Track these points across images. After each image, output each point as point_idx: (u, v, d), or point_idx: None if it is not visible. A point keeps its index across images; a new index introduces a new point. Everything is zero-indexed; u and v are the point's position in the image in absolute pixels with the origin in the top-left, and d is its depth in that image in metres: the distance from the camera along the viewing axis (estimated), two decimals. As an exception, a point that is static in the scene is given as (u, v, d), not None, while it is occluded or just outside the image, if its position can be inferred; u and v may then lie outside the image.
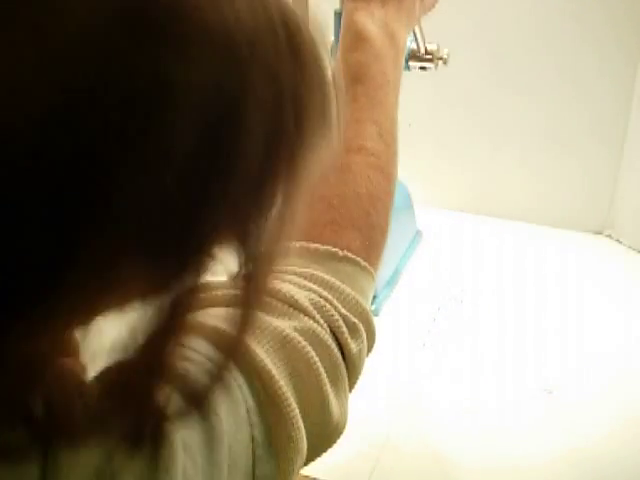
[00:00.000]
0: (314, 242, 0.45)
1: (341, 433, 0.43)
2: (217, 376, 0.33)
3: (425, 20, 0.71)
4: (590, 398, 0.76)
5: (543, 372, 0.80)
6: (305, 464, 0.41)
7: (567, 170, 1.09)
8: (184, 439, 0.30)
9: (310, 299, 0.41)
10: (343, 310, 0.43)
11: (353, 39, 0.53)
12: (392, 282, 0.95)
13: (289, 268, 0.43)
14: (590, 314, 0.91)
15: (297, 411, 0.37)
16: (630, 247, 1.06)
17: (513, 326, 0.88)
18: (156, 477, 0.29)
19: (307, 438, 0.38)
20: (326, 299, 0.42)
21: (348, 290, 0.44)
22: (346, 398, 0.42)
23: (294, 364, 0.38)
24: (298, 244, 0.45)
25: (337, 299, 0.43)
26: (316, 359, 0.39)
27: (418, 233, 1.06)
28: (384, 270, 0.93)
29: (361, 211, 0.47)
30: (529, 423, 0.73)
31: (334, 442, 0.43)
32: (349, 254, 0.45)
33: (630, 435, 0.71)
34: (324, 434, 0.41)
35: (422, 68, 0.85)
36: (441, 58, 0.85)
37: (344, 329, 0.42)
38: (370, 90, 0.50)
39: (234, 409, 0.34)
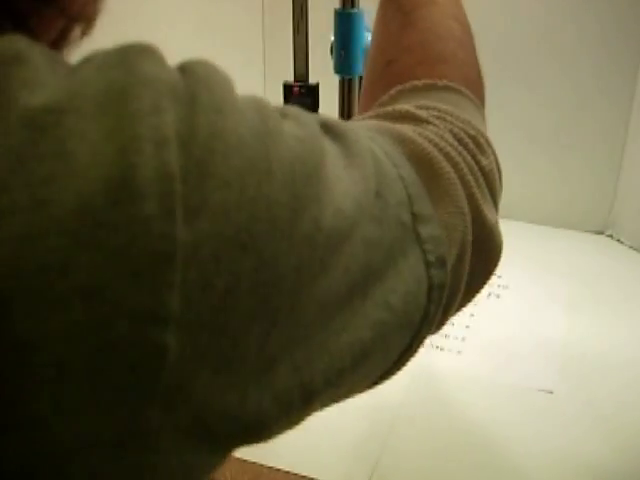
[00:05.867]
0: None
1: (499, 249, 0.41)
2: None
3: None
4: (590, 398, 0.76)
5: (543, 371, 0.80)
6: (470, 292, 0.40)
7: (568, 170, 1.09)
8: None
9: (428, 113, 0.39)
10: (459, 124, 0.40)
11: None
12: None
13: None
14: (591, 314, 0.90)
15: (451, 171, 0.36)
16: (631, 247, 1.06)
17: (513, 325, 0.88)
18: None
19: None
20: (438, 116, 0.40)
21: (458, 111, 0.41)
22: (494, 213, 0.40)
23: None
24: (393, 90, 0.43)
25: (449, 115, 0.40)
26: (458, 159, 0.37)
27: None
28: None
29: (447, 50, 0.45)
30: (529, 423, 0.73)
31: (493, 256, 0.41)
32: (450, 83, 0.43)
33: (629, 435, 0.71)
34: (479, 240, 0.38)
35: None
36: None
37: (467, 140, 0.39)
38: None
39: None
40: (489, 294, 0.95)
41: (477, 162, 0.39)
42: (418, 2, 0.47)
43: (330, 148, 0.31)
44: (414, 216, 0.34)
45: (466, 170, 0.37)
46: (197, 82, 0.27)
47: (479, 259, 0.39)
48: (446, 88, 0.42)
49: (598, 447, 0.70)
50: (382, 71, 0.46)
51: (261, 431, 0.30)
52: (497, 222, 0.40)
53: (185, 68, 0.28)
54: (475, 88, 0.45)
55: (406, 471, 0.67)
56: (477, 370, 0.81)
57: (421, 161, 0.35)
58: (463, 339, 0.86)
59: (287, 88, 0.89)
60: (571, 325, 0.88)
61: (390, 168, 0.34)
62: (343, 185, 0.30)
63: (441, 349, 0.84)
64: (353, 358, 0.31)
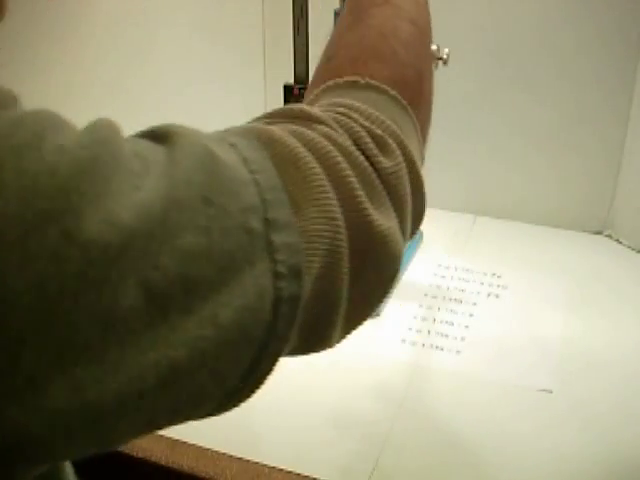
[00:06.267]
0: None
1: (394, 256, 0.37)
2: None
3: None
4: (589, 397, 0.76)
5: (543, 371, 0.80)
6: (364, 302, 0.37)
7: (567, 170, 1.10)
8: None
9: (323, 111, 0.37)
10: (365, 123, 0.37)
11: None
12: (392, 282, 0.95)
13: None
14: (590, 314, 0.91)
15: (321, 172, 0.33)
16: (630, 247, 1.07)
17: (512, 325, 0.89)
18: None
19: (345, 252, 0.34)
20: (343, 114, 0.37)
21: (371, 110, 0.38)
22: (392, 218, 0.37)
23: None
24: (320, 87, 0.41)
25: (358, 113, 0.37)
26: (339, 159, 0.34)
27: (419, 234, 1.06)
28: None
29: (386, 48, 0.43)
30: (528, 422, 0.73)
31: (388, 264, 0.37)
32: (373, 81, 0.40)
33: (629, 435, 0.72)
34: (366, 247, 0.36)
35: None
36: (441, 58, 0.85)
37: (368, 139, 0.37)
38: None
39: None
40: (488, 294, 0.95)
41: (373, 163, 0.36)
42: (375, 1, 0.46)
43: (133, 155, 0.29)
44: (268, 223, 0.31)
45: (349, 172, 0.35)
46: None
47: (370, 267, 0.36)
48: (368, 86, 0.41)
49: (597, 446, 0.70)
50: (322, 68, 0.46)
51: (37, 454, 0.28)
52: (393, 228, 0.37)
53: None
54: (410, 90, 0.43)
55: (406, 470, 0.68)
56: (476, 370, 0.81)
57: (286, 163, 0.33)
58: (462, 339, 0.86)
59: (287, 89, 0.90)
60: (570, 325, 0.88)
61: (242, 174, 0.32)
62: (138, 195, 0.28)
63: (440, 349, 0.85)
64: (159, 378, 0.28)
